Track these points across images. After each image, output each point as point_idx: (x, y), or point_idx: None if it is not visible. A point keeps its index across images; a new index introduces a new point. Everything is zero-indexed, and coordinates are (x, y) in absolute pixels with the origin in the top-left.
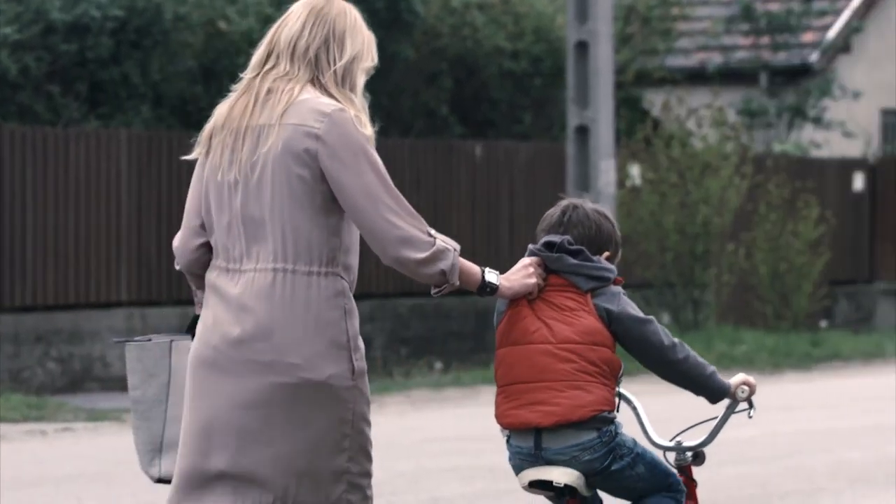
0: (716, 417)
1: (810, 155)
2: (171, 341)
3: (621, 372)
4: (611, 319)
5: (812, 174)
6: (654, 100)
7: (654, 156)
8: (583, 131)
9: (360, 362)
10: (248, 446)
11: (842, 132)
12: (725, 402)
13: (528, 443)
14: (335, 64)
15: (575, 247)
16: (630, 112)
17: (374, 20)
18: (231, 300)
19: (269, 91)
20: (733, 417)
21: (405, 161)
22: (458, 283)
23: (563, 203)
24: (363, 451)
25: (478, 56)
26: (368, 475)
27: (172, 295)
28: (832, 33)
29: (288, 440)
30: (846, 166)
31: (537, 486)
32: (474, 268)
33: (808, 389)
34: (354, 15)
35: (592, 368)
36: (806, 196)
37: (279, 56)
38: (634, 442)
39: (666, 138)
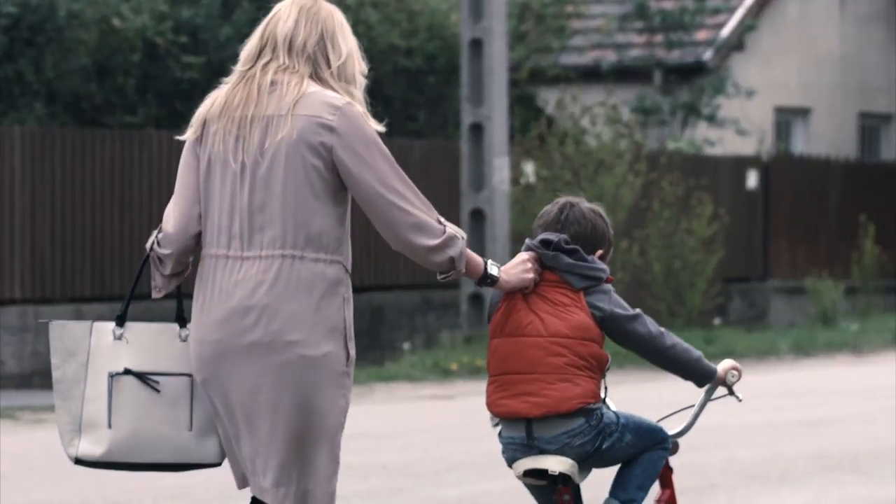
0: (691, 406)
1: (704, 153)
2: (92, 322)
3: (608, 365)
4: (602, 317)
5: (706, 172)
6: (549, 98)
7: (548, 153)
8: (477, 129)
9: (353, 351)
10: (254, 429)
11: (735, 130)
12: (703, 390)
13: (520, 433)
14: (333, 62)
15: (570, 246)
16: (524, 110)
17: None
18: (232, 288)
19: (272, 83)
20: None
21: None
22: (464, 270)
23: (561, 201)
24: (338, 441)
25: (372, 53)
26: (336, 469)
27: (66, 292)
28: (726, 31)
29: (286, 425)
30: (740, 164)
31: (532, 475)
32: (478, 259)
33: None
34: (340, 17)
35: (581, 362)
36: (700, 194)
37: (275, 50)
38: (617, 415)
39: (560, 136)
